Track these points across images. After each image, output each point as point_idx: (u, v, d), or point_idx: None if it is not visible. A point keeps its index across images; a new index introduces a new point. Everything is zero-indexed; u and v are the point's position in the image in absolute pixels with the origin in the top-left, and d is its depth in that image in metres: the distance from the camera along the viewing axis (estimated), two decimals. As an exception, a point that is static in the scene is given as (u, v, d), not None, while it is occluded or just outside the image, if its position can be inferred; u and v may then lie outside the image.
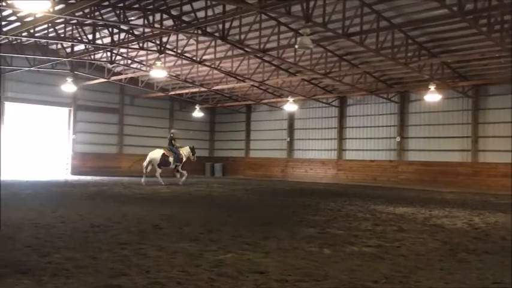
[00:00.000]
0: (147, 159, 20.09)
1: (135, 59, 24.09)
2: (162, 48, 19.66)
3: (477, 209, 12.76)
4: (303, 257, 5.92)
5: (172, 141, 20.57)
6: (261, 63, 22.43)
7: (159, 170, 20.01)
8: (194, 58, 21.34)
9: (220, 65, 23.01)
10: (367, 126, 26.68)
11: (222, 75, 24.64)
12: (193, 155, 21.16)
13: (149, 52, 21.52)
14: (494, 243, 7.36)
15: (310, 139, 29.31)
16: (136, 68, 24.71)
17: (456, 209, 12.57)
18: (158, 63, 20.16)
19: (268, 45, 18.06)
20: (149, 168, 20.13)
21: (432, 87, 20.96)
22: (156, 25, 17.04)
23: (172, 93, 28.67)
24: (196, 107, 30.47)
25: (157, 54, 20.52)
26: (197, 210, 11.02)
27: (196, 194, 15.86)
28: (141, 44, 19.95)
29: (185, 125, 32.66)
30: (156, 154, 20.07)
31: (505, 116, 21.66)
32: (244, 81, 24.59)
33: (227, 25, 16.80)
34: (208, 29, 17.98)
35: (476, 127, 22.46)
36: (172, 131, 21.77)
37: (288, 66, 22.76)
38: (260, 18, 16.83)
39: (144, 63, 23.73)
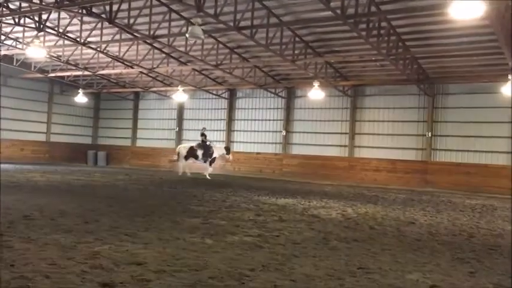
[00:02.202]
0: (177, 151, 21.47)
1: (10, 35, 21.95)
2: (41, 25, 18.19)
3: (351, 200, 13.72)
4: (184, 247, 5.87)
5: (202, 137, 21.06)
6: (151, 50, 21.84)
7: (183, 161, 21.09)
8: (78, 39, 20.06)
9: (107, 48, 21.99)
10: (255, 119, 27.32)
11: (109, 59, 23.56)
12: (227, 154, 21.65)
13: (26, 29, 19.76)
14: (363, 231, 7.97)
15: (199, 130, 29.14)
16: (10, 45, 22.57)
17: (332, 200, 13.39)
18: (36, 41, 18.63)
19: (159, 32, 17.62)
20: (180, 160, 21.21)
21: (316, 85, 22.08)
22: (35, 0, 15.69)
23: (53, 75, 26.72)
24: (79, 91, 28.73)
25: (35, 32, 18.93)
26: (75, 200, 10.40)
27: (75, 184, 14.97)
28: (17, 20, 18.26)
29: (66, 110, 30.75)
30: (183, 148, 21.41)
31: (378, 115, 23.60)
32: (133, 68, 23.78)
33: (115, 7, 16.07)
34: (94, 10, 17.01)
35: (354, 124, 24.16)
36: (203, 126, 22.44)
37: (178, 55, 22.44)
38: (150, 3, 16.33)
39: (21, 40, 21.73)
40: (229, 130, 27.96)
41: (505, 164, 20.51)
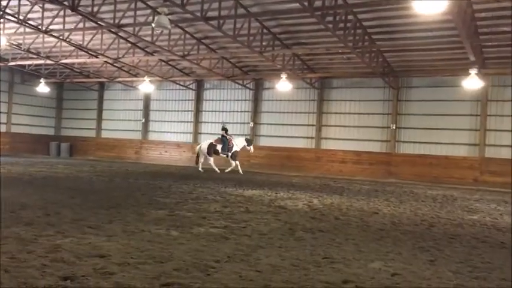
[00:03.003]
0: (197, 149, 21.10)
1: (-33, 22, 21.06)
2: (1, 12, 17.52)
3: (317, 191, 13.88)
4: (149, 239, 5.81)
5: (223, 131, 20.77)
6: (116, 39, 21.36)
7: (210, 159, 20.65)
8: (39, 27, 19.42)
9: (70, 37, 21.38)
10: (222, 111, 27.21)
11: (72, 48, 22.93)
12: (248, 145, 21.15)
13: (-16, 15, 18.99)
14: (328, 222, 8.08)
15: (166, 121, 28.95)
16: (-33, 32, 21.64)
17: (299, 191, 13.52)
18: (-5, 28, 17.94)
19: (124, 21, 17.25)
20: (202, 158, 20.84)
21: (283, 77, 22.15)
22: (-7, -15, 15.10)
23: (13, 63, 25.81)
24: (41, 80, 27.90)
25: (-6, 19, 18.25)
26: (36, 192, 10.13)
27: (37, 175, 14.58)
28: (-26, 5, 17.52)
29: (27, 100, 29.85)
30: (203, 145, 20.95)
31: (344, 107, 23.91)
32: (97, 57, 23.24)
33: (78, -6, 15.62)
34: (57, -4, 16.52)
35: (321, 116, 24.40)
36: (224, 121, 21.93)
37: (144, 45, 22.06)
38: (115, -9, 15.97)
39: (-22, 27, 20.89)
40: (197, 121, 27.78)
41: (465, 156, 21.18)
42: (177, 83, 27.73)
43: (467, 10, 14.12)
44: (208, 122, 27.62)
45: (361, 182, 19.56)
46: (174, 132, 28.59)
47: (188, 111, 28.17)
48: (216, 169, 20.43)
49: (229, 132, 21.65)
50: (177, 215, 7.86)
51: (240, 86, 26.19)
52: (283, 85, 22.52)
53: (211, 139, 21.56)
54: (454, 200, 13.50)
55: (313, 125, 24.59)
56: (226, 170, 20.55)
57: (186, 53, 20.72)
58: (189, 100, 28.21)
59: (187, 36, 20.06)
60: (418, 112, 22.22)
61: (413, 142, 22.35)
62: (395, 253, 5.76)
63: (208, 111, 27.63)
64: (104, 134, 30.93)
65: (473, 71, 18.40)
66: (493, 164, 20.43)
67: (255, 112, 26.15)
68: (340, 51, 19.52)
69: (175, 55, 20.97)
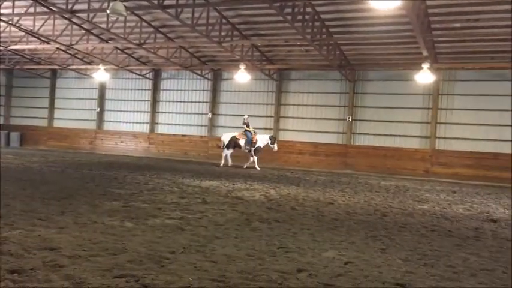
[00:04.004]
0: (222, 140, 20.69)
1: None
2: None
3: (274, 182, 14.00)
4: (102, 231, 5.69)
5: (245, 125, 20.14)
6: (69, 25, 20.62)
7: (226, 151, 20.42)
8: (-13, 10, 18.50)
9: (20, 22, 20.47)
10: (180, 101, 26.88)
11: (22, 33, 21.97)
12: (272, 143, 20.29)
13: None
14: (284, 212, 8.16)
15: (121, 111, 28.31)
16: None
17: (256, 182, 13.58)
18: None
19: (78, 7, 16.70)
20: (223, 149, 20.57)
21: (242, 68, 22.09)
22: None
23: (-42, 48, 24.51)
24: (-11, 67, 26.67)
25: None
26: (-17, 183, 9.69)
27: (-16, 166, 13.95)
28: None
29: (-26, 87, 28.43)
30: (226, 136, 20.61)
31: (302, 99, 24.12)
32: (49, 43, 22.39)
33: (28, -23, 14.96)
34: (5, -21, 15.77)
35: (279, 108, 24.53)
36: (245, 115, 20.98)
37: (99, 32, 21.42)
38: (69, -25, 15.40)
39: None
40: (154, 111, 27.32)
41: (417, 148, 21.86)
42: (133, 72, 27.13)
43: (421, 6, 14.50)
44: (165, 112, 27.22)
45: (317, 173, 19.86)
46: (130, 122, 28.03)
47: (145, 100, 27.66)
48: (222, 163, 20.27)
49: (252, 126, 20.94)
50: (131, 206, 7.73)
51: (198, 76, 25.92)
52: (242, 76, 22.47)
53: (234, 132, 21.12)
54: (406, 190, 13.94)
55: (271, 117, 24.69)
56: (245, 166, 20.20)
57: (142, 41, 20.27)
58: (145, 90, 27.68)
59: (144, 24, 19.63)
60: (373, 105, 22.71)
61: (368, 134, 22.85)
62: (349, 242, 5.90)
63: (166, 101, 27.22)
64: (57, 123, 29.93)
65: (425, 65, 18.98)
66: (443, 156, 21.21)
67: (214, 103, 25.97)
68: (298, 43, 19.63)
69: (132, 43, 20.48)
